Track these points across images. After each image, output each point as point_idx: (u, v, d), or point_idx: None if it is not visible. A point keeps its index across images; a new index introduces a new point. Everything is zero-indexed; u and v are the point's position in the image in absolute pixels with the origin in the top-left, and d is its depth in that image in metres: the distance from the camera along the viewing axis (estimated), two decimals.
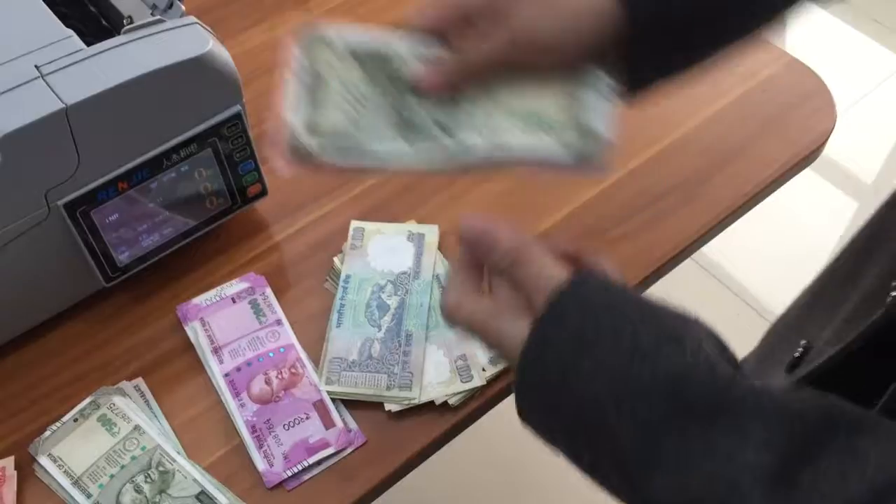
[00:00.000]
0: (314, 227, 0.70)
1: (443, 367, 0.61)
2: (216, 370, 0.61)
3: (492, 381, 0.60)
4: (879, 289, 0.45)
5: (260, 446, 0.58)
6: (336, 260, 0.67)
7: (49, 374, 0.62)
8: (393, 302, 0.64)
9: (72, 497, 0.56)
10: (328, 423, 0.59)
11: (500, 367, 0.60)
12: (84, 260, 0.60)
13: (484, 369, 0.60)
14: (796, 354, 0.50)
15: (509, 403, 0.43)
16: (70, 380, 0.62)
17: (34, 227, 0.57)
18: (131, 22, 0.62)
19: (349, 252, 0.67)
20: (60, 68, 0.55)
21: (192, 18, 0.60)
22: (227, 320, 0.64)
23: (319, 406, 0.59)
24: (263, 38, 0.82)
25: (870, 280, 0.48)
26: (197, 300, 0.65)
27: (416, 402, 0.59)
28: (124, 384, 0.61)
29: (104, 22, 0.65)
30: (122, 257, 0.62)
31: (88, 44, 0.58)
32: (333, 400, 0.60)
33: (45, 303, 0.62)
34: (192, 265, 0.67)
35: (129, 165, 0.59)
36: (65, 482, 0.56)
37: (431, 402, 0.59)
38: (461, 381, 0.60)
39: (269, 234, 0.70)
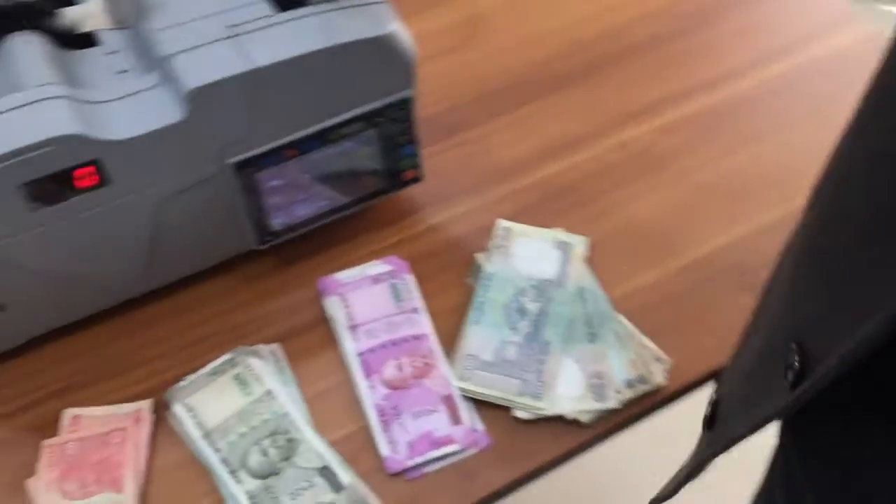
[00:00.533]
0: (461, 221, 0.70)
1: (577, 383, 0.59)
2: (350, 348, 0.61)
3: (626, 405, 0.58)
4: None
5: (385, 430, 0.58)
6: (480, 256, 0.66)
7: (194, 323, 0.63)
8: (533, 308, 0.63)
9: (200, 449, 0.57)
10: (455, 419, 0.58)
11: (635, 390, 0.59)
12: (242, 219, 0.61)
13: (619, 391, 0.59)
14: (794, 364, 0.38)
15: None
16: (210, 333, 0.63)
17: (205, 180, 0.58)
18: None
19: (494, 250, 0.66)
20: (250, 31, 0.56)
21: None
22: (366, 300, 0.64)
23: (448, 401, 0.59)
24: (435, 23, 0.82)
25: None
26: (339, 275, 0.65)
27: (545, 413, 0.58)
28: (261, 347, 0.62)
29: None
30: (276, 223, 0.63)
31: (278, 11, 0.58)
32: (463, 397, 0.59)
33: (202, 254, 0.63)
34: (338, 240, 0.68)
35: (299, 134, 0.59)
36: (195, 433, 0.57)
37: (561, 416, 0.58)
38: (594, 399, 0.58)
39: (416, 221, 0.70)
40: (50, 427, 0.58)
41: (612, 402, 0.58)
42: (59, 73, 0.55)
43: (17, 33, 0.56)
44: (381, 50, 0.58)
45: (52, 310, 0.60)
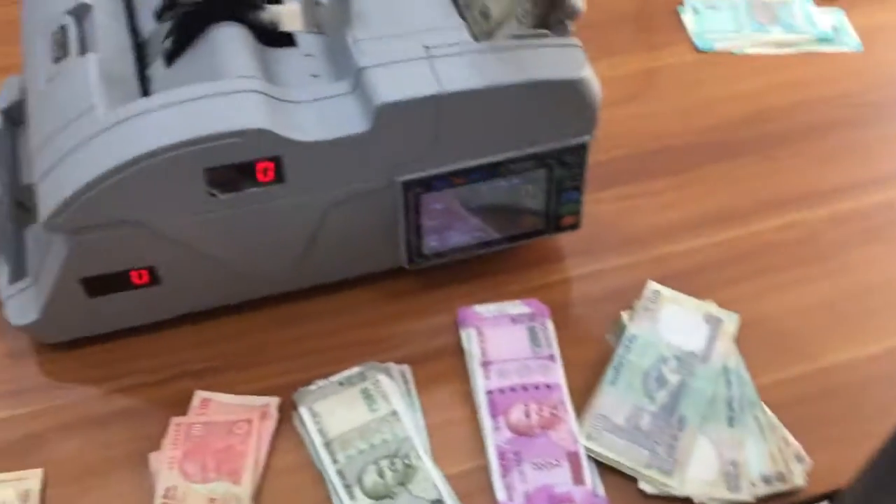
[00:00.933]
0: (608, 275, 0.68)
1: (710, 466, 0.57)
2: (480, 384, 0.61)
3: (759, 500, 0.55)
4: None
5: (504, 475, 0.57)
6: (624, 315, 0.64)
7: (331, 330, 0.64)
8: (674, 379, 0.60)
9: (319, 456, 0.57)
10: (578, 478, 0.56)
11: (771, 487, 0.56)
12: (397, 236, 0.61)
13: (754, 484, 0.56)
14: None
15: None
16: (345, 342, 0.63)
17: (372, 192, 0.58)
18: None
19: (640, 312, 0.64)
20: (446, 55, 0.56)
21: (576, 41, 0.59)
22: (502, 338, 0.63)
23: (573, 458, 0.57)
24: (614, 71, 0.81)
25: None
26: (479, 308, 0.65)
27: (673, 491, 0.56)
28: (391, 366, 0.61)
29: None
30: (429, 245, 0.63)
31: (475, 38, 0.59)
32: (588, 457, 0.57)
33: (352, 263, 0.63)
34: (482, 273, 0.67)
35: (471, 163, 0.59)
36: (317, 440, 0.57)
37: (689, 499, 0.55)
38: (727, 488, 0.56)
39: (563, 267, 0.68)
40: (180, 405, 0.59)
41: (745, 495, 0.55)
42: (258, 67, 0.56)
43: (223, 23, 0.58)
44: (570, 93, 0.57)
45: (204, 291, 0.61)
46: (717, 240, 0.70)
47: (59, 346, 0.61)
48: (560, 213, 0.65)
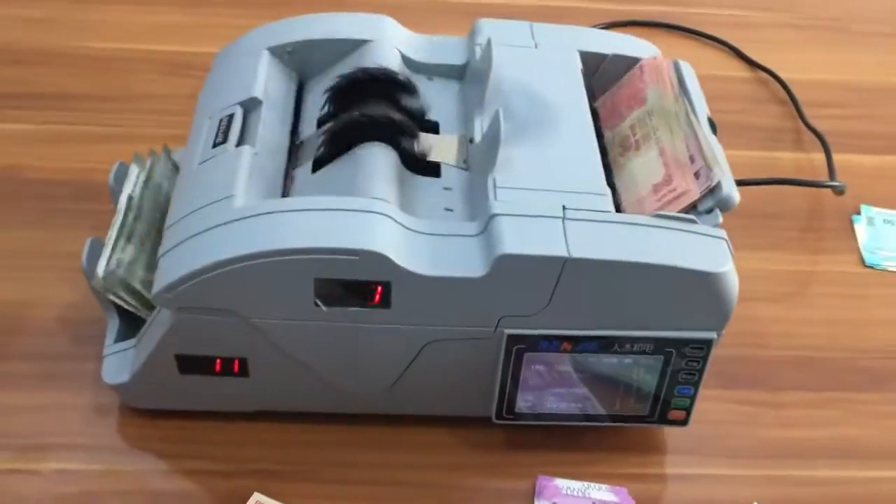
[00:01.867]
0: (711, 484, 0.62)
1: None
2: None
3: None
4: None
5: None
6: None
7: (403, 464, 0.61)
8: None
9: None
10: None
11: None
12: (491, 388, 0.59)
13: None
14: None
15: None
16: (409, 482, 0.60)
17: (474, 339, 0.56)
18: None
19: None
20: (582, 220, 0.55)
21: (723, 233, 0.56)
22: None
23: None
24: (762, 266, 0.77)
25: None
26: (560, 482, 0.60)
27: None
28: None
29: None
30: (523, 405, 0.60)
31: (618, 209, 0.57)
32: None
33: (440, 402, 0.61)
34: (572, 445, 0.63)
35: (583, 333, 0.56)
36: None
37: None
38: None
39: (663, 462, 0.63)
40: (234, 501, 0.58)
41: None
42: (395, 192, 0.57)
43: (375, 143, 0.59)
44: (705, 287, 0.54)
45: (289, 394, 0.60)
46: (842, 477, 0.63)
47: (141, 413, 0.62)
48: (669, 405, 0.60)
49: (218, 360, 0.58)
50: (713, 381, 0.67)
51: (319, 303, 0.54)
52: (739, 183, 0.78)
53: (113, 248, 0.61)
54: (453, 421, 0.63)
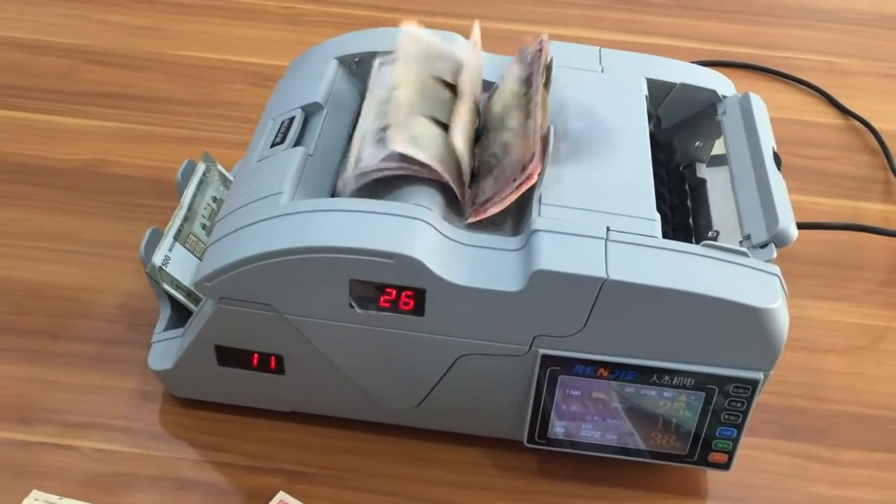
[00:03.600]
0: None
1: None
2: None
3: None
4: None
5: None
6: None
7: (429, 479, 0.60)
8: None
9: None
10: None
11: None
12: (523, 411, 0.57)
13: None
14: None
15: None
16: (432, 499, 0.59)
17: (509, 356, 0.55)
18: (716, 238, 0.59)
19: None
20: (626, 242, 0.53)
21: (777, 269, 0.53)
22: None
23: None
24: (837, 317, 0.73)
25: None
26: None
27: None
28: None
29: (690, 222, 0.63)
30: (557, 431, 0.58)
31: (665, 235, 0.55)
32: None
33: (471, 420, 0.60)
34: (607, 478, 0.61)
35: (621, 360, 0.54)
36: None
37: None
38: None
39: None
40: (261, 499, 0.58)
41: None
42: (441, 202, 0.57)
43: None
44: (753, 323, 0.52)
45: (323, 396, 0.60)
46: None
47: (183, 402, 0.63)
48: (711, 446, 0.57)
49: (255, 355, 0.58)
50: (767, 430, 0.64)
51: (354, 304, 0.54)
52: (815, 226, 0.75)
53: (173, 241, 0.64)
54: (485, 442, 0.62)
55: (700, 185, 0.66)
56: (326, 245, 0.52)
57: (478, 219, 0.56)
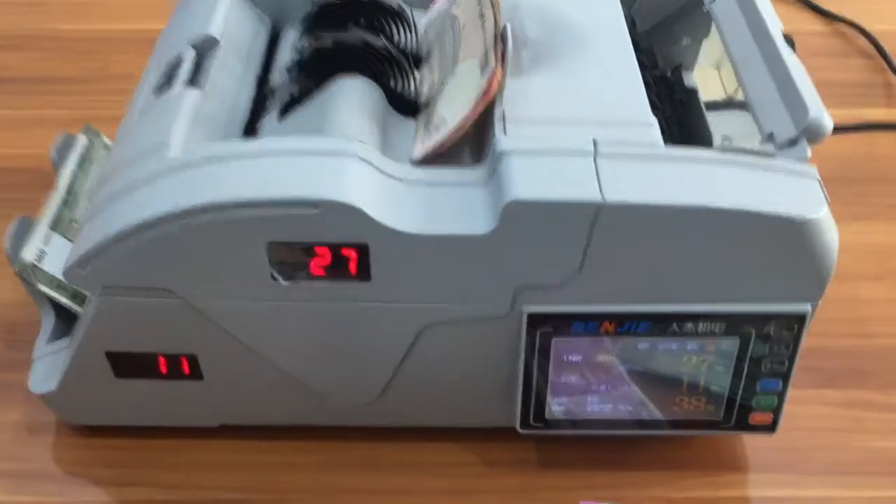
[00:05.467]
0: None
1: None
2: None
3: None
4: None
5: None
6: None
7: (401, 489, 0.48)
8: None
9: None
10: None
11: None
12: (511, 389, 0.45)
13: None
14: None
15: None
16: None
17: (486, 320, 0.43)
18: (730, 142, 0.47)
19: None
20: (620, 156, 0.41)
21: (814, 171, 0.42)
22: None
23: None
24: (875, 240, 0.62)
25: None
26: None
27: None
28: None
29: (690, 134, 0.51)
30: (556, 409, 0.46)
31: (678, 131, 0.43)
32: None
33: (449, 409, 0.48)
34: (623, 462, 0.49)
35: (630, 308, 0.42)
36: None
37: None
38: None
39: (741, 483, 0.48)
40: None
41: None
42: (378, 136, 0.44)
43: (352, 75, 0.46)
44: (795, 239, 0.40)
45: (254, 402, 0.48)
46: None
47: (80, 431, 0.50)
48: (750, 406, 0.46)
49: (161, 359, 0.45)
50: (807, 380, 0.53)
51: (277, 275, 0.41)
52: None
53: (48, 232, 0.50)
54: (469, 435, 0.49)
55: (691, 93, 0.55)
56: (228, 200, 0.39)
57: (426, 152, 0.44)
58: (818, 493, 0.48)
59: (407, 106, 0.47)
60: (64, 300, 0.49)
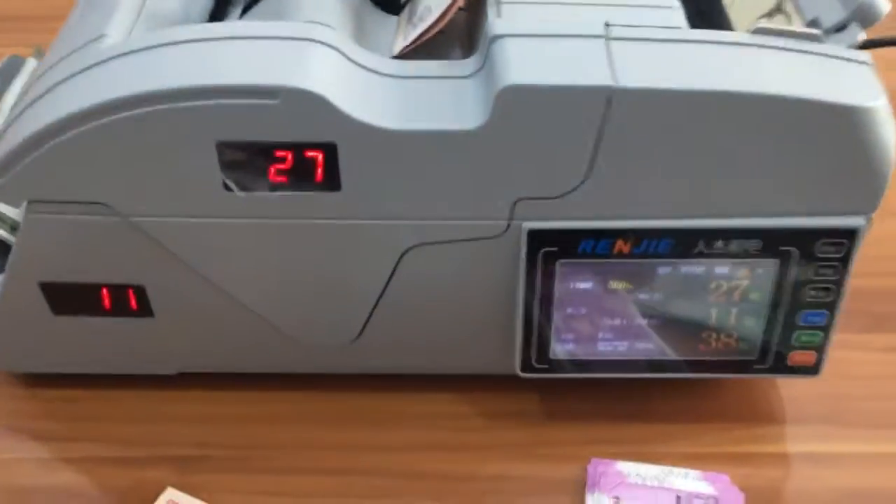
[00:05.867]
0: (856, 464, 0.41)
1: None
2: None
3: None
4: None
5: None
6: None
7: (387, 445, 0.42)
8: None
9: None
10: None
11: None
12: (510, 325, 0.39)
13: None
14: None
15: None
16: (402, 472, 0.41)
17: (476, 239, 0.36)
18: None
19: None
20: (636, 39, 0.34)
21: (867, 56, 0.35)
22: None
23: None
24: None
25: None
26: (624, 467, 0.40)
27: None
28: None
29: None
30: (562, 348, 0.39)
31: (693, 27, 0.36)
32: None
33: (438, 351, 0.41)
34: (642, 413, 0.43)
35: (647, 224, 0.36)
36: None
37: None
38: None
39: (779, 437, 0.42)
40: (139, 500, 0.39)
41: None
42: (351, 27, 0.38)
43: None
44: (844, 132, 0.33)
45: (213, 344, 0.41)
46: None
47: (21, 380, 0.44)
48: (790, 343, 0.39)
49: (104, 291, 0.39)
50: (852, 323, 0.46)
51: (230, 184, 0.35)
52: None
53: None
54: (462, 382, 0.43)
55: None
56: (166, 89, 0.33)
57: (407, 44, 0.37)
58: (864, 447, 0.42)
59: (388, 1, 0.41)
60: (4, 234, 0.43)
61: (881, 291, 0.48)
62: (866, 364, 0.45)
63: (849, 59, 0.35)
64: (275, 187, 0.35)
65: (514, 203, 0.35)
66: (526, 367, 0.40)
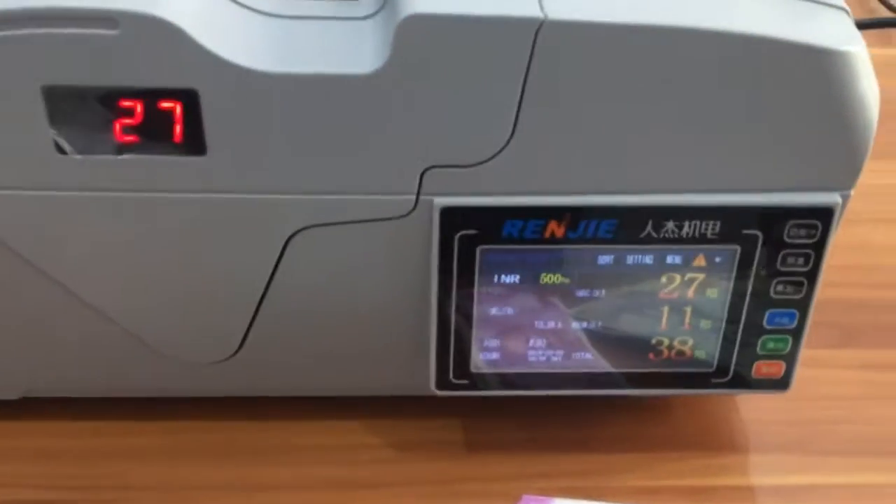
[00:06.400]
0: (832, 497, 0.35)
1: None
2: None
3: None
4: None
5: None
6: None
7: (275, 483, 0.34)
8: None
9: None
10: None
11: None
12: (422, 331, 0.32)
13: None
14: None
15: None
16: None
17: (377, 220, 0.30)
18: None
19: None
20: None
21: (844, 5, 0.30)
22: None
23: None
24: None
25: None
26: None
27: None
28: None
29: None
30: (485, 359, 0.33)
31: None
32: None
33: (335, 368, 0.34)
34: (584, 439, 0.36)
35: (586, 200, 0.30)
36: None
37: None
38: None
39: (739, 467, 0.36)
40: None
41: None
42: None
43: None
44: (817, 80, 0.28)
45: (69, 364, 0.33)
46: None
47: None
48: (754, 350, 0.33)
49: None
50: (821, 338, 0.40)
51: (64, 145, 0.28)
52: None
53: None
54: (366, 406, 0.36)
55: None
56: None
57: None
58: (838, 478, 0.36)
59: None
60: None
61: (850, 303, 0.43)
62: (838, 383, 0.39)
63: (824, 3, 0.29)
64: (122, 149, 0.28)
65: (423, 172, 0.29)
66: (442, 383, 0.33)
